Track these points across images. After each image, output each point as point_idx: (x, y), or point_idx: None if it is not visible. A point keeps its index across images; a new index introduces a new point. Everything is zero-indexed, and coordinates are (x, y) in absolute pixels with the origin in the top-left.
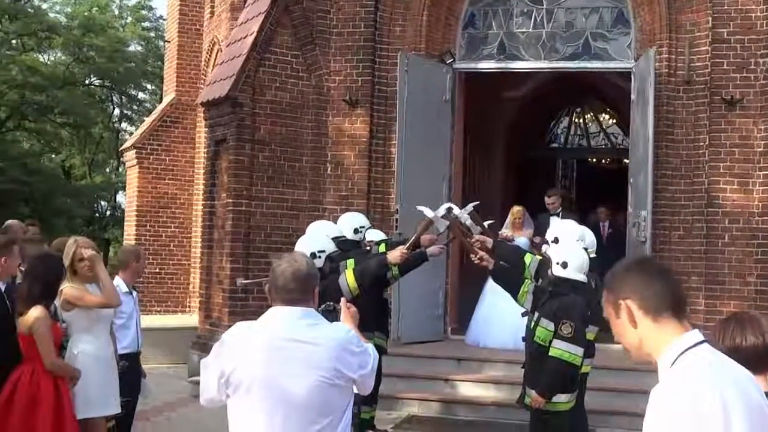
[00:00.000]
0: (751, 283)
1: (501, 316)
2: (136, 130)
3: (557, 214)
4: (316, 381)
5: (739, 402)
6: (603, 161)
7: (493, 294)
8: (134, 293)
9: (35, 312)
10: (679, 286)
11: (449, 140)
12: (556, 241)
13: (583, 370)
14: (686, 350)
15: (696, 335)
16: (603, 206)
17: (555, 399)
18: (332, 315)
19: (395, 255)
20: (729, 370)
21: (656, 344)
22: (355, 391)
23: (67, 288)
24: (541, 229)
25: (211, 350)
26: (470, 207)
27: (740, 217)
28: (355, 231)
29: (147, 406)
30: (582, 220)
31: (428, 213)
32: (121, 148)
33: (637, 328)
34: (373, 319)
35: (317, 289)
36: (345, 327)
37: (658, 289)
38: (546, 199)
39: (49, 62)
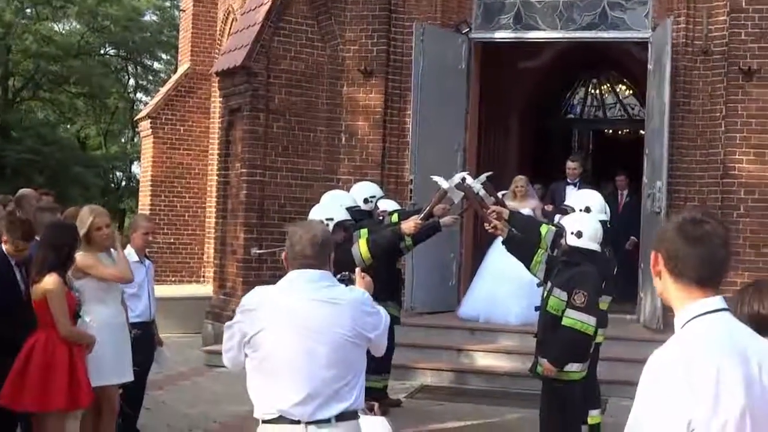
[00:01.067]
0: (766, 254)
1: (503, 293)
2: (151, 100)
3: (575, 184)
4: (338, 338)
5: (738, 376)
6: (619, 132)
7: (494, 269)
8: (147, 262)
9: (49, 280)
10: (714, 258)
11: (464, 110)
12: (588, 210)
13: (596, 340)
14: (699, 316)
15: (714, 302)
16: (622, 174)
17: (567, 368)
18: (347, 285)
19: (409, 225)
20: (739, 340)
21: (675, 302)
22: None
23: (80, 256)
24: (555, 198)
25: (225, 320)
26: (483, 177)
27: (756, 188)
28: (365, 201)
29: (160, 375)
30: (597, 190)
31: (443, 183)
32: (135, 118)
33: (661, 280)
34: (386, 288)
35: (332, 256)
36: (359, 289)
37: (688, 254)
38: (569, 163)
39: (64, 32)
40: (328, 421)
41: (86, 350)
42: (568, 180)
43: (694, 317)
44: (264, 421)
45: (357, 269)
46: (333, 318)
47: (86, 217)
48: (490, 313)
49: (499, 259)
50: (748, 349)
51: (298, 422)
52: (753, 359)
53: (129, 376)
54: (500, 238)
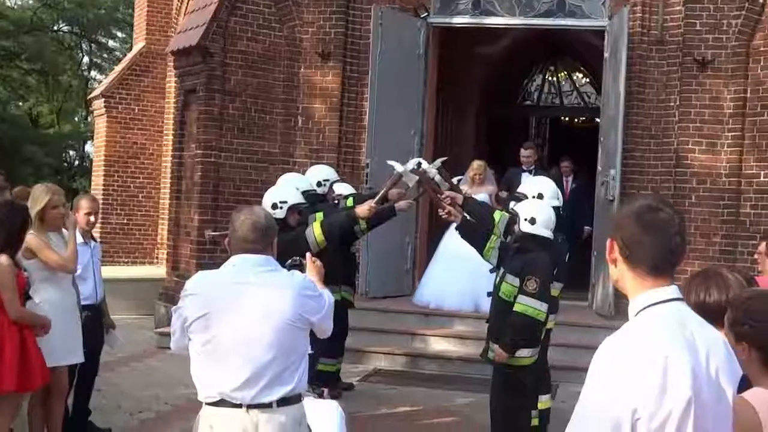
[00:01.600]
0: (716, 243)
1: (457, 279)
2: (105, 78)
3: (530, 171)
4: (280, 322)
5: (685, 366)
6: (576, 120)
7: (449, 255)
8: (92, 243)
9: None
10: (669, 246)
11: (422, 95)
12: (540, 196)
13: (547, 326)
14: (652, 305)
15: (668, 292)
16: (567, 160)
17: (518, 354)
18: (298, 269)
19: (363, 209)
20: (689, 331)
21: (629, 290)
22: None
23: (30, 237)
24: (510, 185)
25: (178, 301)
26: (438, 162)
27: (708, 177)
28: (319, 184)
29: (113, 356)
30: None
31: (398, 167)
32: (89, 97)
33: (616, 267)
34: (340, 273)
35: (275, 241)
36: (300, 274)
37: (643, 242)
38: (522, 151)
39: (16, 6)
40: (269, 405)
41: (40, 331)
42: (523, 167)
43: (647, 306)
44: (207, 404)
45: (308, 255)
46: (274, 302)
47: (42, 195)
48: (443, 299)
49: (453, 245)
50: (697, 339)
51: (240, 406)
52: (702, 350)
53: (79, 358)
54: (454, 224)
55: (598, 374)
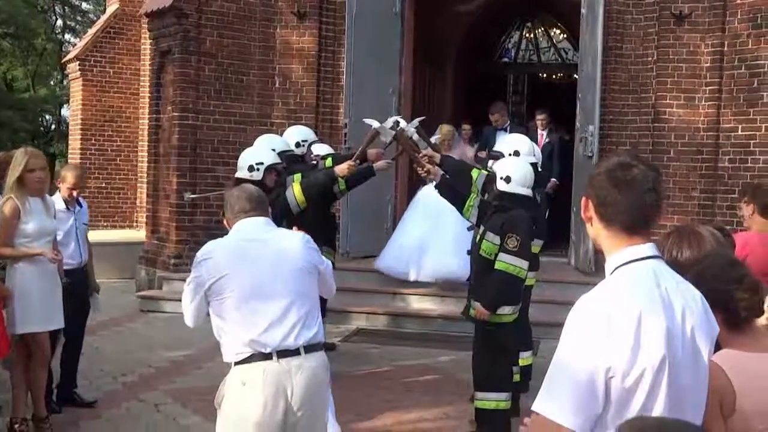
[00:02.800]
0: (695, 197)
1: (419, 249)
2: (79, 41)
3: (505, 129)
4: (293, 268)
5: (660, 325)
6: (554, 76)
7: (413, 224)
8: (76, 208)
9: None
10: (643, 203)
11: (399, 54)
12: (516, 154)
13: (528, 282)
14: (628, 263)
15: (644, 250)
16: (542, 113)
17: (499, 311)
18: None
19: (343, 168)
20: (665, 289)
21: (605, 248)
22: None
23: (7, 202)
24: (487, 144)
25: (159, 265)
26: (416, 122)
27: (686, 132)
28: (298, 144)
29: (95, 321)
30: (525, 131)
31: (374, 124)
32: (63, 60)
33: (592, 226)
34: (321, 234)
35: (270, 211)
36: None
37: (616, 200)
38: (490, 117)
39: None
40: (297, 351)
41: (5, 303)
42: (497, 127)
43: (622, 264)
44: (236, 363)
45: (294, 228)
46: (285, 251)
47: (20, 158)
48: (403, 267)
49: (417, 215)
50: (672, 297)
51: (270, 356)
52: (677, 308)
53: (59, 323)
54: (421, 196)
55: (572, 332)
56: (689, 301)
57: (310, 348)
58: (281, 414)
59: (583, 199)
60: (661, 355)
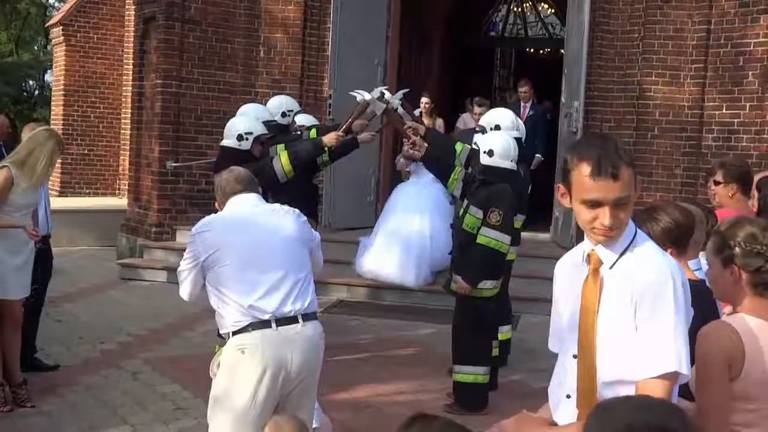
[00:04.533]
0: (678, 175)
1: (398, 251)
2: (63, 5)
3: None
4: (287, 238)
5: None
6: (541, 51)
7: (391, 225)
8: None
9: None
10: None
11: (385, 25)
12: (497, 128)
13: (509, 257)
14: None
15: None
16: (525, 85)
17: (480, 285)
18: None
19: (330, 137)
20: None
21: (582, 226)
22: None
23: (1, 171)
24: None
25: (141, 233)
26: (400, 94)
27: (670, 110)
28: (283, 115)
29: (74, 287)
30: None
31: (365, 96)
32: (47, 25)
33: (570, 205)
34: (304, 204)
35: (259, 188)
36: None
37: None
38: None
39: None
40: (296, 319)
41: None
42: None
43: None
44: (234, 333)
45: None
46: (279, 223)
47: (50, 148)
48: (381, 270)
49: (396, 215)
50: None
51: (269, 324)
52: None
53: (25, 292)
54: (397, 196)
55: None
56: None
57: (306, 317)
58: (280, 382)
59: (559, 186)
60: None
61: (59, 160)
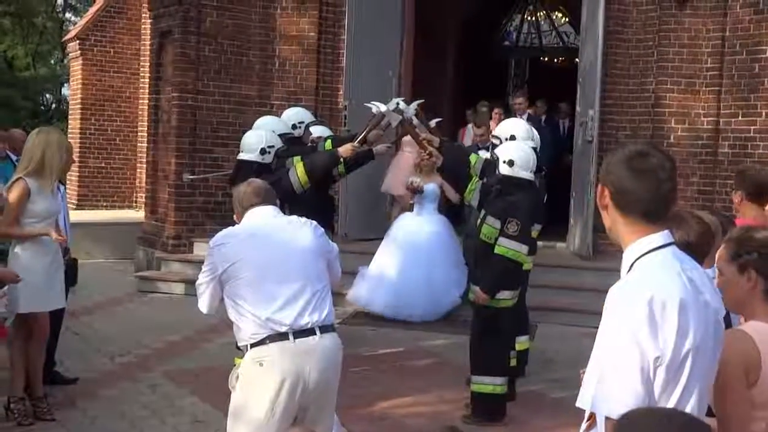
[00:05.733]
0: (694, 183)
1: (392, 284)
2: (80, 20)
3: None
4: (304, 250)
5: (696, 310)
6: (555, 60)
7: (388, 258)
8: (62, 188)
9: None
10: (660, 191)
11: (399, 37)
12: (513, 138)
13: (525, 267)
14: (650, 252)
15: (661, 238)
16: (520, 97)
17: (498, 295)
18: None
19: (346, 149)
20: (688, 275)
21: (623, 237)
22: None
23: (18, 183)
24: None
25: (158, 246)
26: (415, 104)
27: (686, 117)
28: (294, 126)
29: (92, 301)
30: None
31: (381, 107)
32: (64, 39)
33: (609, 214)
34: (320, 215)
35: (276, 200)
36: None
37: (634, 189)
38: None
39: None
40: (313, 331)
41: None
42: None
43: (645, 254)
44: (252, 345)
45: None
46: (297, 235)
47: (64, 154)
48: (372, 302)
49: (393, 248)
50: (696, 280)
51: (286, 336)
52: (704, 290)
53: (61, 303)
54: (397, 229)
55: (617, 325)
56: (705, 281)
57: (324, 329)
58: (298, 394)
59: (599, 187)
60: (699, 339)
61: (76, 172)
